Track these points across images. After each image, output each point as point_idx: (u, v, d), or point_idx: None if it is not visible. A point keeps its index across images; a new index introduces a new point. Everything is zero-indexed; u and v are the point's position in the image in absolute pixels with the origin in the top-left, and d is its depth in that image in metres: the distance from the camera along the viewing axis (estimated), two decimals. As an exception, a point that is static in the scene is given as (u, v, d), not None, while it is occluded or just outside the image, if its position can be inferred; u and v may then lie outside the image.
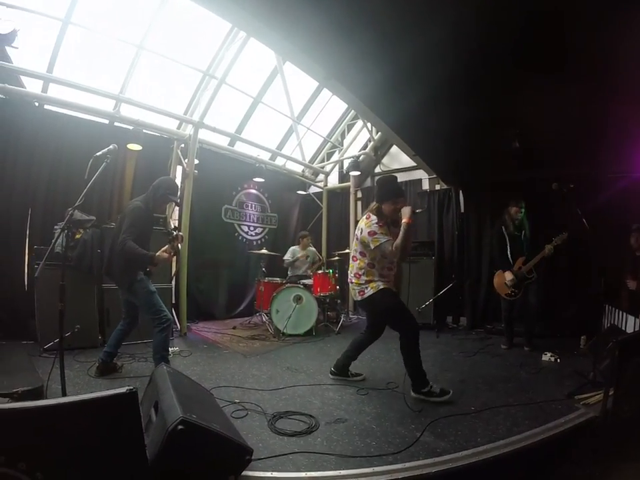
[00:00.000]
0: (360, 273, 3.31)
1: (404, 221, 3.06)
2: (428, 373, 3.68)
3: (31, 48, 4.66)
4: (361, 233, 3.25)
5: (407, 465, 2.01)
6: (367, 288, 3.27)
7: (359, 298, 3.35)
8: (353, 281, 3.37)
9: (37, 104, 4.90)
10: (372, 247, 3.15)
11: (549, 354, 4.22)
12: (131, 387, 1.48)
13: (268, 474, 1.95)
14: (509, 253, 4.72)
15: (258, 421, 2.68)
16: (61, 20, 4.62)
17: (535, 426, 2.43)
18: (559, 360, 4.13)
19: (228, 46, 5.63)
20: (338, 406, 2.99)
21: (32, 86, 4.88)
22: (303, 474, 1.96)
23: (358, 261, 3.34)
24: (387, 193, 3.33)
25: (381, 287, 3.23)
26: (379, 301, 3.24)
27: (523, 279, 4.61)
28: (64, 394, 2.47)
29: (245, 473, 1.88)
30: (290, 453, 2.20)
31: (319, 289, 5.90)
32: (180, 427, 1.64)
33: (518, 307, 4.78)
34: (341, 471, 1.98)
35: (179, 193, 3.98)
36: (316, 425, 2.61)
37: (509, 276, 4.66)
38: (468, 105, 3.83)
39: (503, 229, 4.76)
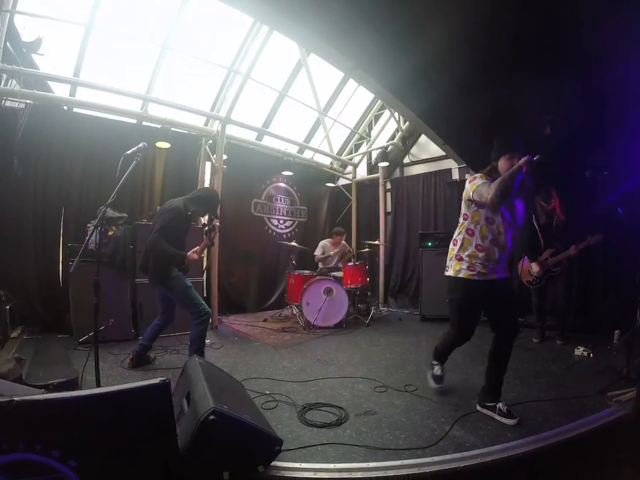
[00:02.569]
0: (457, 239, 2.75)
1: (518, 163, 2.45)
2: (459, 365, 3.72)
3: (57, 54, 4.84)
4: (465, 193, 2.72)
5: (436, 458, 2.01)
6: (451, 265, 2.76)
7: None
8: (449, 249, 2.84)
9: (65, 108, 5.14)
10: (471, 194, 2.60)
11: (581, 348, 4.09)
12: (164, 378, 1.53)
13: (297, 464, 1.98)
14: (540, 242, 4.59)
15: (288, 412, 2.72)
16: (84, 25, 4.76)
17: (566, 422, 2.37)
18: (591, 355, 4.00)
19: (251, 41, 5.66)
20: (368, 398, 3.00)
21: (60, 90, 5.09)
22: (331, 465, 1.98)
23: (459, 226, 2.80)
24: (501, 147, 2.70)
25: (462, 275, 2.66)
26: (450, 290, 2.80)
27: (547, 271, 4.50)
28: (98, 385, 2.56)
29: (274, 463, 1.92)
30: (319, 444, 2.23)
31: (349, 281, 5.91)
32: (212, 417, 1.68)
33: (549, 299, 4.65)
34: (369, 463, 2.00)
35: (218, 209, 4.05)
36: (345, 416, 2.63)
37: (535, 267, 4.55)
38: (499, 91, 3.72)
39: (533, 219, 4.62)
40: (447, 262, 2.82)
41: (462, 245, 2.69)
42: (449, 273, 2.76)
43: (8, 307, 4.17)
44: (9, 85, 4.63)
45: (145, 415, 1.51)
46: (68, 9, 4.68)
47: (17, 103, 4.53)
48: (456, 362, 3.85)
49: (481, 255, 2.61)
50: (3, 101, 4.52)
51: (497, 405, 2.59)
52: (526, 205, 2.77)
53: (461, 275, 2.66)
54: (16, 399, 1.31)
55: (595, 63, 3.08)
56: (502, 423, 2.47)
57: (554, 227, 4.54)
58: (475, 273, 2.62)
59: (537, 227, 4.61)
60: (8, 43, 4.37)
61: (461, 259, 2.68)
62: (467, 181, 2.73)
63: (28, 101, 4.65)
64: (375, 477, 1.88)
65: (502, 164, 2.64)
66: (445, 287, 2.94)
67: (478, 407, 2.70)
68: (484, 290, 2.64)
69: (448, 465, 1.92)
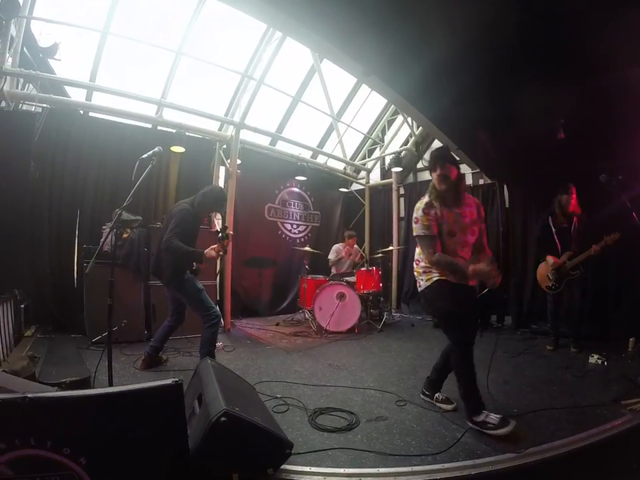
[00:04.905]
0: (418, 259, 2.82)
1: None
2: None
3: (73, 59, 4.97)
4: None
5: (446, 465, 1.99)
6: (422, 279, 2.76)
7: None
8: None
9: (81, 112, 5.24)
10: (413, 231, 2.71)
11: (595, 356, 4.01)
12: (177, 379, 1.54)
13: (306, 468, 1.98)
14: (556, 241, 4.51)
15: (299, 416, 2.72)
16: (100, 31, 4.87)
17: (579, 431, 2.33)
18: (606, 363, 3.92)
19: (264, 47, 5.74)
20: (379, 404, 2.98)
21: (76, 95, 5.21)
22: (341, 470, 1.98)
23: (417, 246, 2.82)
24: (430, 161, 2.73)
25: (437, 278, 2.66)
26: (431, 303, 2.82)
27: (565, 274, 4.42)
28: (110, 384, 2.59)
29: (284, 466, 1.93)
30: (329, 449, 2.23)
31: (362, 286, 5.90)
32: (223, 418, 1.69)
33: (565, 305, 4.56)
34: (379, 469, 1.99)
35: (225, 203, 4.08)
36: (356, 421, 2.62)
37: (550, 259, 4.48)
38: (512, 96, 3.70)
39: (550, 220, 4.56)
40: (418, 280, 2.81)
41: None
42: (424, 286, 2.73)
43: (22, 306, 4.28)
44: (26, 89, 4.76)
45: (157, 415, 1.52)
46: (84, 15, 4.81)
47: (34, 107, 4.66)
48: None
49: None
50: (21, 105, 4.63)
51: (435, 395, 2.93)
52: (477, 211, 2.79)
53: (435, 279, 2.65)
54: (29, 395, 1.33)
55: (602, 65, 3.05)
56: (442, 408, 2.84)
57: (572, 231, 4.46)
58: (446, 277, 2.62)
59: (553, 230, 4.54)
60: (25, 48, 4.49)
61: (429, 270, 2.69)
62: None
63: (45, 105, 4.77)
64: (385, 483, 1.87)
65: (434, 177, 2.67)
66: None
67: (422, 395, 3.03)
68: (460, 290, 2.61)
69: (459, 472, 1.90)
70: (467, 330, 2.62)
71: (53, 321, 4.83)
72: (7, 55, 4.19)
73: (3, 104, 4.31)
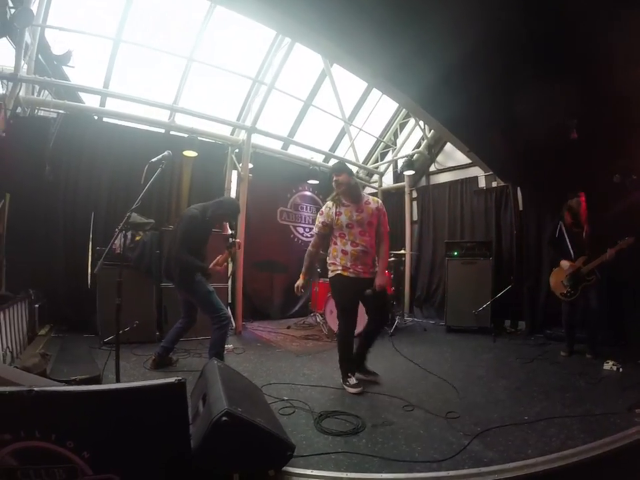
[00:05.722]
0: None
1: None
2: (482, 378, 3.69)
3: (87, 65, 5.07)
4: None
5: (451, 473, 1.94)
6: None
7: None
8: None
9: (95, 117, 5.37)
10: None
11: (610, 362, 3.89)
12: (180, 378, 1.54)
13: (308, 471, 1.96)
14: (569, 248, 4.41)
15: (305, 418, 2.71)
16: (113, 39, 4.97)
17: (591, 440, 2.25)
18: (621, 369, 3.81)
19: (275, 51, 5.79)
20: (386, 408, 2.95)
21: (90, 101, 5.33)
22: (343, 474, 1.95)
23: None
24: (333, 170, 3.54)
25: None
26: None
27: (581, 279, 4.31)
28: (117, 382, 2.63)
29: (285, 468, 1.91)
30: (333, 452, 2.21)
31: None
32: (224, 418, 1.69)
33: (580, 311, 4.45)
34: (382, 474, 1.96)
35: (238, 216, 4.17)
36: (362, 426, 2.59)
37: (565, 264, 4.38)
38: (524, 97, 3.64)
39: (561, 225, 4.47)
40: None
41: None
42: (330, 275, 3.49)
43: (37, 306, 4.38)
44: (41, 95, 4.87)
45: (159, 413, 1.53)
46: (97, 23, 4.92)
47: (49, 113, 4.77)
48: (479, 375, 3.80)
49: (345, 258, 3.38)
50: (36, 111, 4.75)
51: (348, 379, 3.39)
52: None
53: (338, 272, 3.40)
54: (35, 389, 1.35)
55: (614, 63, 2.98)
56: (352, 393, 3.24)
57: (584, 236, 4.36)
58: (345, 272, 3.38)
59: (565, 234, 4.45)
60: (39, 56, 4.61)
61: (333, 263, 3.44)
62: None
63: (60, 111, 4.89)
64: (387, 488, 1.84)
65: (344, 178, 3.37)
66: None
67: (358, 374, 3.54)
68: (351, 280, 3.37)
69: None
70: (349, 322, 3.45)
71: (66, 321, 4.92)
72: (23, 62, 4.29)
73: (19, 110, 4.42)
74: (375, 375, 3.65)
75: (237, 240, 3.70)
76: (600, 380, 3.57)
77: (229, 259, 3.75)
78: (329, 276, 3.48)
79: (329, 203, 3.44)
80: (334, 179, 3.40)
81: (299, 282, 3.63)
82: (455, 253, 6.14)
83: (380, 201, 3.56)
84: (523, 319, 5.95)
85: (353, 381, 3.34)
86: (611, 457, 2.05)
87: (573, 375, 3.75)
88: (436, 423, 2.67)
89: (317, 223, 3.52)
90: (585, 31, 2.62)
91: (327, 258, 3.52)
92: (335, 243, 3.42)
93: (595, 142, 4.18)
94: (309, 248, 3.60)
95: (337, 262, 3.37)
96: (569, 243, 4.42)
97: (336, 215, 3.35)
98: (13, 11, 3.69)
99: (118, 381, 2.65)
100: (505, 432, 2.49)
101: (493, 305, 5.73)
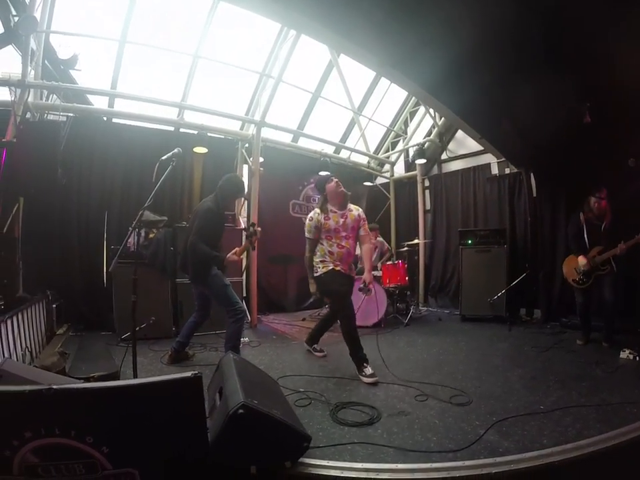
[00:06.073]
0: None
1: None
2: (498, 368, 3.69)
3: (94, 67, 5.14)
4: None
5: (467, 463, 1.94)
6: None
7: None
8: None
9: (105, 119, 5.43)
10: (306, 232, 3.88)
11: (627, 351, 3.82)
12: (196, 372, 1.56)
13: (324, 462, 1.97)
14: (585, 239, 4.34)
15: (320, 409, 2.73)
16: (118, 40, 5.00)
17: (607, 430, 2.22)
18: (638, 358, 3.74)
19: (281, 44, 5.76)
20: (402, 398, 2.96)
21: (99, 103, 5.38)
22: (359, 464, 1.96)
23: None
24: (318, 185, 3.99)
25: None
26: None
27: (595, 269, 4.24)
28: (135, 377, 2.67)
29: (301, 459, 1.93)
30: (348, 443, 2.23)
31: (388, 280, 5.87)
32: (240, 411, 1.71)
33: (595, 299, 4.38)
34: (397, 465, 1.96)
35: (245, 189, 4.18)
36: (378, 416, 2.61)
37: (582, 261, 4.30)
38: (536, 82, 3.57)
39: (581, 216, 4.39)
40: (315, 267, 3.78)
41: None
42: (320, 272, 3.74)
43: (54, 306, 4.48)
44: (50, 99, 4.94)
45: (176, 407, 1.55)
46: (99, 24, 4.97)
47: (59, 116, 4.80)
48: (494, 365, 3.79)
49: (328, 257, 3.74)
50: (46, 115, 4.83)
51: (314, 346, 4.19)
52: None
53: (330, 267, 3.71)
54: (54, 387, 1.38)
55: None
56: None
57: (602, 229, 4.28)
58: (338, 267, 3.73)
59: (584, 224, 4.37)
60: (46, 61, 4.66)
61: (324, 261, 3.73)
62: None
63: (69, 114, 4.94)
64: (403, 478, 1.85)
65: (329, 187, 3.76)
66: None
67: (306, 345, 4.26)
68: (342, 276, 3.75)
69: (479, 470, 1.85)
70: (346, 303, 3.66)
71: (83, 320, 5.04)
72: (29, 68, 4.35)
73: (29, 115, 4.49)
74: (321, 351, 4.21)
75: (258, 228, 3.68)
76: (616, 369, 3.52)
77: (248, 249, 3.74)
78: (320, 273, 3.71)
79: (317, 210, 3.78)
80: (340, 188, 3.76)
81: (312, 288, 3.92)
82: (469, 241, 6.09)
83: (360, 209, 3.96)
84: (539, 307, 5.88)
85: (369, 371, 3.42)
86: (628, 447, 2.02)
87: (589, 364, 3.69)
88: (451, 413, 2.68)
89: (308, 228, 3.78)
90: (599, 15, 2.55)
91: (314, 257, 3.80)
92: (322, 244, 3.75)
93: (610, 125, 4.08)
94: (307, 254, 3.84)
95: (327, 259, 3.71)
96: (586, 236, 4.35)
97: (324, 220, 3.72)
98: (16, 18, 3.74)
99: (135, 376, 2.69)
100: (520, 421, 2.48)
101: (507, 293, 5.68)
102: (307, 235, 3.81)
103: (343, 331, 3.67)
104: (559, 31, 2.78)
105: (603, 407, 2.66)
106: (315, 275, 3.77)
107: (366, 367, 3.44)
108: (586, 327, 4.47)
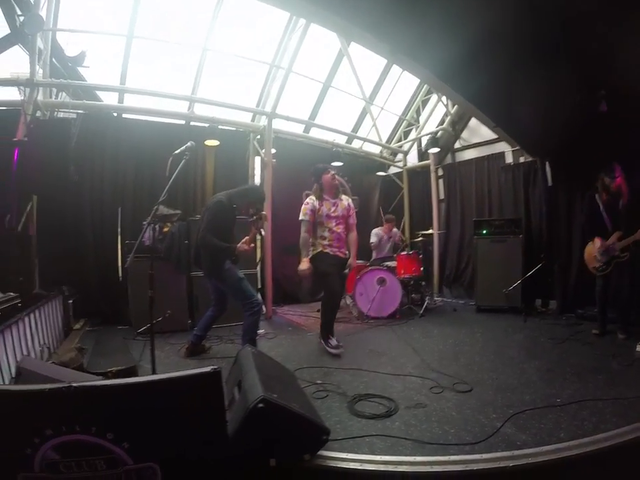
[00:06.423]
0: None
1: None
2: (514, 359, 3.67)
3: (102, 64, 5.17)
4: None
5: (484, 456, 1.95)
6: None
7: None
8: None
9: (115, 114, 5.47)
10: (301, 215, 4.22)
11: None
12: (215, 367, 1.57)
13: (343, 455, 1.99)
14: (605, 221, 4.24)
15: (338, 402, 2.76)
16: (125, 35, 5.00)
17: (623, 424, 2.20)
18: None
19: (290, 35, 5.72)
20: (419, 390, 2.97)
21: (108, 99, 5.43)
22: (377, 457, 1.98)
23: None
24: (315, 173, 4.26)
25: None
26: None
27: (614, 255, 4.16)
28: (154, 372, 2.70)
29: (320, 452, 1.95)
30: (367, 436, 2.25)
31: (402, 271, 5.86)
32: (260, 405, 1.73)
33: (612, 289, 4.31)
34: (415, 457, 1.98)
35: (264, 202, 4.27)
36: (395, 408, 2.62)
37: (597, 243, 4.23)
38: (552, 69, 3.50)
39: (597, 197, 4.30)
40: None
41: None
42: (311, 254, 4.11)
43: (71, 302, 4.54)
44: (59, 97, 4.98)
45: (196, 402, 1.56)
46: (108, 20, 4.99)
47: (69, 114, 4.86)
48: (510, 356, 3.78)
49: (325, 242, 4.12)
50: (56, 113, 4.87)
51: (329, 341, 4.03)
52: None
53: (319, 249, 4.12)
54: (74, 384, 1.40)
55: None
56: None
57: (620, 207, 4.18)
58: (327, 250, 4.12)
59: (601, 206, 4.27)
60: (54, 59, 4.68)
61: (315, 243, 4.14)
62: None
63: (79, 111, 4.98)
64: (421, 471, 1.86)
65: (325, 178, 4.14)
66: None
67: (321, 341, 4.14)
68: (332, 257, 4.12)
69: (497, 464, 1.85)
70: (334, 284, 4.05)
71: (100, 314, 5.12)
72: (37, 67, 4.38)
73: (39, 114, 4.53)
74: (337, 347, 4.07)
75: (264, 212, 3.70)
76: (633, 362, 3.46)
77: (258, 236, 3.75)
78: (312, 254, 4.10)
79: (313, 197, 4.16)
80: (334, 181, 4.20)
81: (305, 266, 4.04)
82: (484, 231, 6.03)
83: (350, 199, 4.41)
84: (554, 298, 5.80)
85: (334, 342, 3.98)
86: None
87: (605, 357, 3.64)
88: (468, 405, 2.68)
89: (305, 212, 4.12)
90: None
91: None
92: (316, 229, 4.14)
93: (626, 112, 3.97)
94: (304, 234, 4.12)
95: (317, 243, 4.12)
96: (605, 216, 4.25)
97: (319, 206, 4.11)
98: (22, 18, 3.75)
99: (154, 372, 2.72)
100: (537, 414, 2.47)
101: (523, 284, 5.61)
102: (302, 217, 4.13)
103: (321, 303, 4.22)
104: (578, 17, 2.70)
105: (619, 400, 2.63)
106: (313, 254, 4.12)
107: (331, 339, 4.02)
108: (602, 317, 4.39)
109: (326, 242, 4.10)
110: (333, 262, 4.08)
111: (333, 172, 4.21)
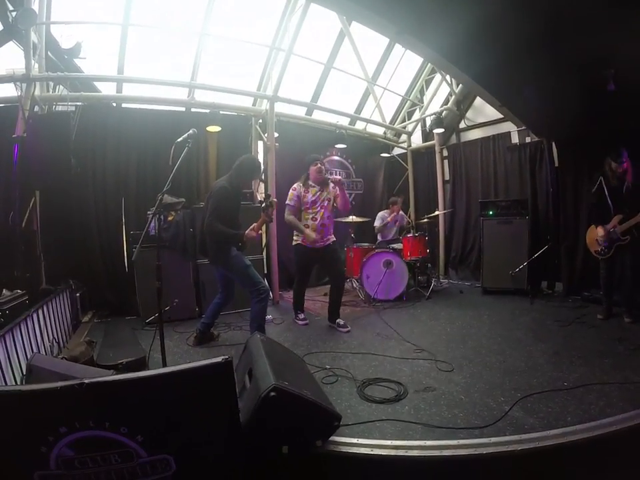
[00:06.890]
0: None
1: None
2: (521, 342, 3.69)
3: (99, 54, 5.07)
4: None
5: (493, 440, 1.97)
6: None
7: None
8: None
9: (114, 104, 5.40)
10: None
11: None
12: (227, 357, 1.56)
13: (354, 440, 2.01)
14: (609, 205, 4.21)
15: (347, 387, 2.80)
16: (120, 24, 4.92)
17: (630, 409, 2.21)
18: None
19: (289, 16, 5.59)
20: (427, 374, 3.01)
21: (107, 89, 5.37)
22: (388, 442, 2.00)
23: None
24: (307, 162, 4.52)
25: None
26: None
27: (615, 239, 4.15)
28: (164, 364, 2.72)
29: (332, 438, 1.97)
30: (377, 420, 2.30)
31: (409, 253, 5.85)
32: (272, 393, 1.74)
33: (617, 272, 4.31)
34: (426, 441, 2.00)
35: (261, 169, 4.22)
36: (404, 392, 2.66)
37: (600, 232, 4.23)
38: (560, 47, 3.41)
39: (602, 180, 4.25)
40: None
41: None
42: (294, 242, 4.45)
43: (78, 295, 4.57)
44: (57, 90, 4.90)
45: (208, 392, 1.57)
46: (102, 10, 4.88)
47: (67, 106, 4.79)
48: (517, 339, 3.80)
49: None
50: (54, 106, 4.83)
51: (337, 321, 4.38)
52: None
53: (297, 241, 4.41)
54: (86, 381, 1.40)
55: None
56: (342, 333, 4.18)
57: (624, 191, 4.14)
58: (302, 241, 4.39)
59: (606, 190, 4.24)
60: (49, 52, 4.60)
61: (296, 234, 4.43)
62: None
63: (78, 103, 4.91)
64: (431, 455, 1.88)
65: (312, 170, 4.39)
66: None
67: (329, 323, 4.46)
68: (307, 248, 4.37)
69: (505, 447, 1.88)
70: (302, 275, 4.62)
71: (108, 306, 5.15)
72: (33, 61, 4.31)
73: (37, 108, 4.49)
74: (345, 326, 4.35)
75: (274, 199, 3.66)
76: (639, 346, 3.44)
77: (266, 223, 3.73)
78: (294, 243, 4.43)
79: (300, 184, 4.39)
80: (321, 174, 4.38)
81: (313, 233, 4.27)
82: (490, 212, 5.98)
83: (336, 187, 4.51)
84: (560, 280, 5.76)
85: (302, 315, 4.65)
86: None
87: (611, 340, 3.63)
88: (476, 389, 2.73)
89: (290, 197, 4.35)
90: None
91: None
92: (300, 216, 4.34)
93: (634, 92, 3.88)
94: (288, 216, 4.37)
95: (300, 232, 4.32)
96: (608, 199, 4.22)
97: (304, 192, 4.33)
98: (14, 13, 3.69)
99: (164, 362, 2.73)
100: (544, 398, 2.51)
101: (529, 266, 5.60)
102: (287, 202, 4.36)
103: (294, 286, 4.70)
104: None
105: (626, 384, 2.65)
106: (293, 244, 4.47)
107: (300, 313, 4.65)
108: (608, 300, 4.39)
109: (308, 230, 4.25)
110: (310, 254, 4.36)
111: (320, 164, 4.40)
